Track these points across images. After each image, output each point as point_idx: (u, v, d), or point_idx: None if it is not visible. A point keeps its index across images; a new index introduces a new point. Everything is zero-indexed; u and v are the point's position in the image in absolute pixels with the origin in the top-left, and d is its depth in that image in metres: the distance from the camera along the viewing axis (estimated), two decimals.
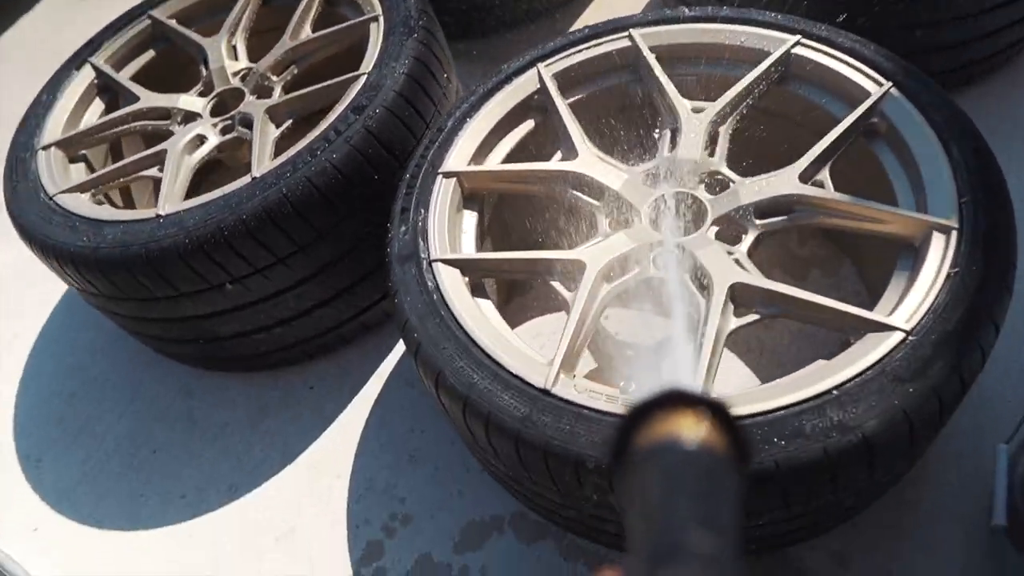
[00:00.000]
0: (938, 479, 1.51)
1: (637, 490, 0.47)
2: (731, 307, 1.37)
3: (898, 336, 1.22)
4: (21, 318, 2.54)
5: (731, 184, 1.56)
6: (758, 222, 1.50)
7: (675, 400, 0.49)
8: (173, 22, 2.36)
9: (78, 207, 1.90)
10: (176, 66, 2.39)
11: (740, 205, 1.51)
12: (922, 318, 1.23)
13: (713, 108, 1.65)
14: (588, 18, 2.83)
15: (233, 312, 1.83)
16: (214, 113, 2.12)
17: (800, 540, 1.50)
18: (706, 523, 0.44)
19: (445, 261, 1.50)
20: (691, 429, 0.48)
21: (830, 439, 1.14)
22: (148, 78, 2.33)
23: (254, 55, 2.25)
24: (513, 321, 1.99)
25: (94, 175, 2.03)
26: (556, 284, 1.49)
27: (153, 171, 2.00)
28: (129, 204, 2.29)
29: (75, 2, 3.92)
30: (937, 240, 1.32)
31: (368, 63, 1.91)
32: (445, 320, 1.40)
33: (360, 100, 1.80)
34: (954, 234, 1.31)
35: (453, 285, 1.47)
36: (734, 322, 1.36)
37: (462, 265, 1.51)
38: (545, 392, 1.28)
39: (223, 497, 1.92)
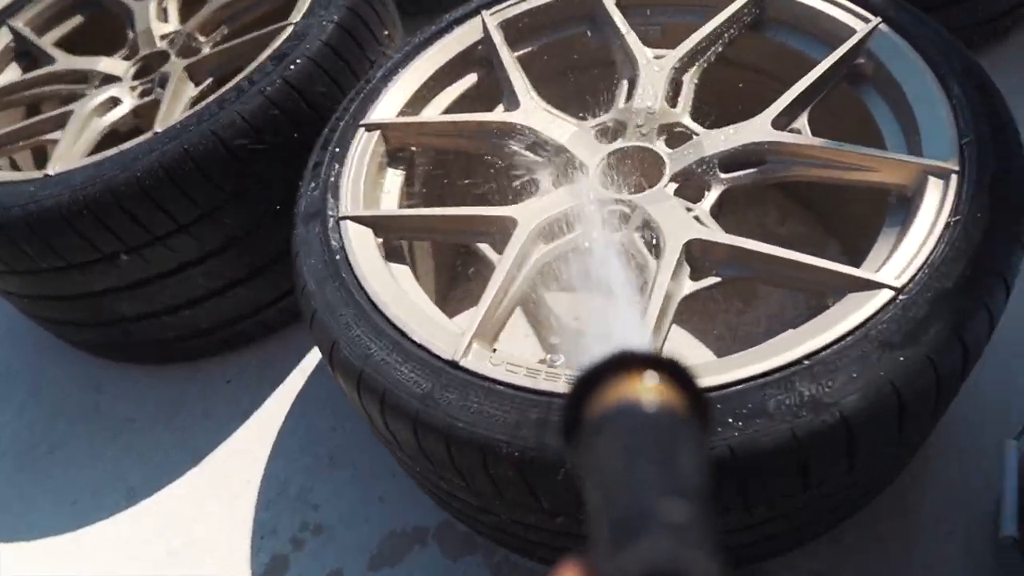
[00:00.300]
0: (937, 478, 1.26)
1: (592, 464, 0.42)
2: (686, 269, 1.14)
3: (886, 295, 0.99)
4: None
5: (695, 136, 1.34)
6: (723, 176, 1.27)
7: (624, 363, 0.44)
8: None
9: None
10: (107, 32, 2.19)
11: (702, 157, 1.28)
12: (915, 273, 1.00)
13: (675, 54, 1.43)
14: None
15: (133, 289, 1.61)
16: (138, 77, 1.92)
17: (771, 554, 1.26)
18: (673, 489, 0.39)
19: (355, 219, 1.28)
20: (645, 391, 0.43)
21: (799, 419, 0.91)
22: (76, 44, 2.12)
23: (187, 17, 2.05)
24: (457, 309, 1.76)
25: None
26: (484, 247, 1.27)
27: (56, 134, 1.78)
28: None
29: None
30: (934, 186, 1.09)
31: (297, 13, 1.70)
32: (346, 283, 1.18)
33: (282, 49, 1.59)
34: (954, 178, 1.08)
35: (361, 245, 1.24)
36: (689, 286, 1.13)
37: (375, 223, 1.29)
38: (453, 364, 1.04)
39: (120, 502, 1.67)
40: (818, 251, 1.65)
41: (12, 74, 2.08)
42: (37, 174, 1.58)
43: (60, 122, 1.79)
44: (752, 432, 0.91)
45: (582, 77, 1.66)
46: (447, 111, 1.54)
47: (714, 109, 1.43)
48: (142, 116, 1.84)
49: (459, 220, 1.30)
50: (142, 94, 1.85)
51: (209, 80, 1.77)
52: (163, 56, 1.92)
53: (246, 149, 1.50)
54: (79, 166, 1.54)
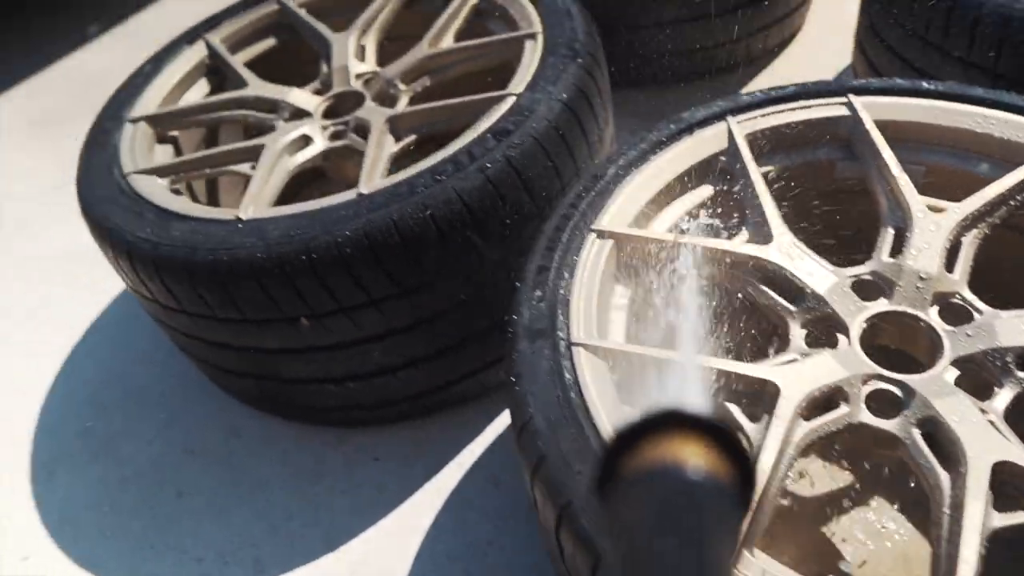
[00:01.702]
0: None
1: (623, 522, 0.41)
2: (990, 497, 0.96)
3: None
4: (79, 305, 2.27)
5: (977, 314, 1.16)
6: (1022, 375, 1.09)
7: (671, 421, 0.41)
8: (303, 11, 2.08)
9: (151, 192, 1.60)
10: (296, 60, 2.11)
11: (997, 347, 1.10)
12: None
13: (961, 210, 1.25)
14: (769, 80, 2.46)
15: (304, 353, 1.49)
16: (327, 115, 1.82)
17: None
18: (700, 568, 0.37)
19: (589, 348, 1.13)
20: (687, 454, 0.40)
21: None
22: (263, 67, 2.05)
23: (384, 60, 1.96)
24: None
25: (178, 160, 1.75)
26: (735, 408, 1.10)
27: (245, 167, 1.70)
28: (214, 204, 2.00)
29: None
30: None
31: (519, 84, 1.57)
32: (584, 432, 1.02)
33: (505, 124, 1.46)
34: None
35: (598, 385, 1.08)
36: (998, 519, 0.95)
37: (612, 359, 1.14)
38: None
39: (247, 573, 1.55)
40: None
41: (200, 89, 2.02)
42: (227, 214, 1.48)
43: (250, 155, 1.70)
44: None
45: (821, 208, 1.50)
46: (678, 224, 1.40)
47: (995, 282, 1.25)
48: (330, 160, 1.75)
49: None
50: (333, 136, 1.76)
51: (411, 138, 1.66)
52: (357, 97, 1.83)
53: (457, 230, 1.37)
54: (273, 215, 1.43)
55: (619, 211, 1.33)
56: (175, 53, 2.03)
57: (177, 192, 1.69)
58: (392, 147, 1.63)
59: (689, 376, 0.55)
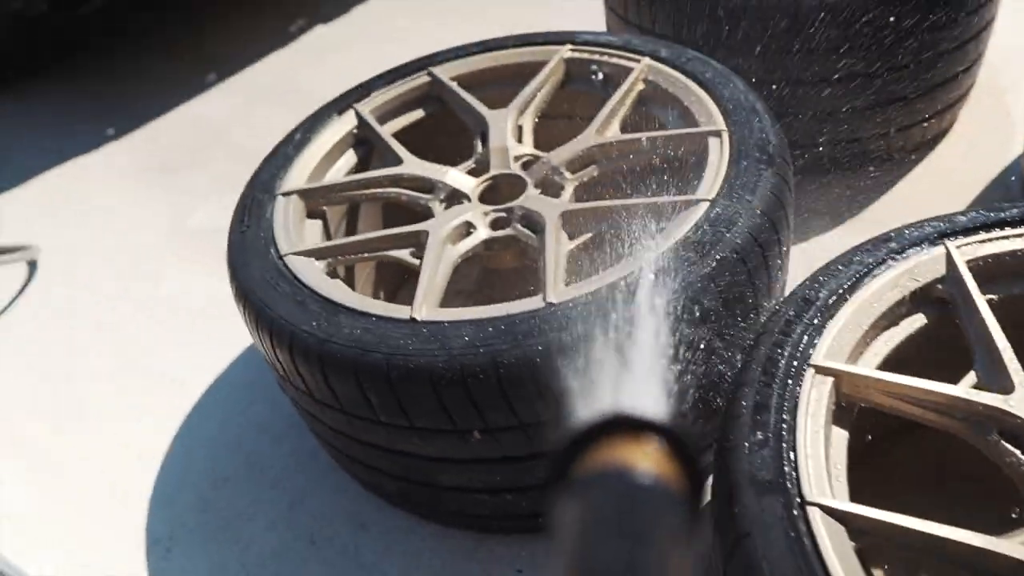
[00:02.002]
0: None
1: (566, 522, 0.41)
2: None
3: None
4: (197, 360, 2.22)
5: None
6: None
7: (621, 424, 0.42)
8: (455, 84, 2.03)
9: (311, 278, 1.53)
10: (442, 134, 2.05)
11: None
12: None
13: None
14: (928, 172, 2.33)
15: (467, 464, 1.40)
16: (483, 199, 1.75)
17: None
18: (636, 572, 0.38)
19: (827, 511, 1.01)
20: (637, 457, 0.41)
21: None
22: (407, 140, 1.99)
23: (538, 141, 1.89)
24: None
25: (336, 242, 1.68)
26: None
27: (404, 253, 1.62)
28: (349, 280, 1.94)
29: (323, 50, 3.76)
30: None
31: (709, 189, 1.48)
32: None
33: (702, 235, 1.37)
34: None
35: (842, 556, 0.97)
36: None
37: (850, 523, 1.02)
38: None
39: None
40: None
41: (347, 161, 1.97)
42: (400, 312, 1.40)
43: (409, 240, 1.63)
44: None
45: None
46: (889, 359, 1.27)
47: None
48: (491, 249, 1.66)
49: (949, 546, 1.01)
50: (494, 223, 1.68)
51: (587, 236, 1.56)
52: (517, 182, 1.75)
53: None
54: (453, 319, 1.35)
55: (835, 343, 1.22)
56: (324, 122, 1.98)
57: (333, 275, 1.63)
58: (567, 246, 1.54)
59: None
